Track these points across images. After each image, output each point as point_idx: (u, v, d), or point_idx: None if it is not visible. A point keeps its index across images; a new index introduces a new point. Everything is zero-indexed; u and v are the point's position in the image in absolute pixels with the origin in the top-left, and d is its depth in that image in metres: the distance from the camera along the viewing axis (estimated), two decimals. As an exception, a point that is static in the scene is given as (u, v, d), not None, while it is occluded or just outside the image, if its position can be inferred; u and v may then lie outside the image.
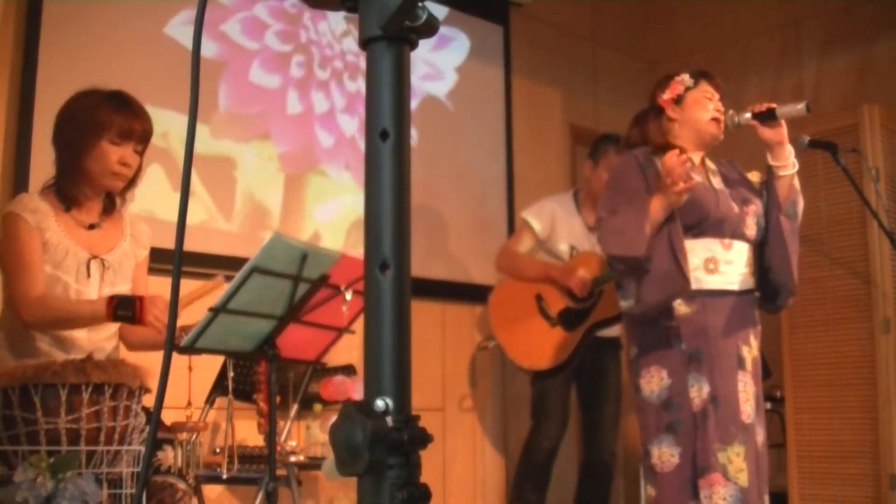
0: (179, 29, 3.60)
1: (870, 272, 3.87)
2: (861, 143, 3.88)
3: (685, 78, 2.80)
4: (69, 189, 2.29)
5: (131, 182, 2.38)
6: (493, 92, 4.81)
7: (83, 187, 2.31)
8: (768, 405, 4.33)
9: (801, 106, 2.61)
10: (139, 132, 2.30)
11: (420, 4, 0.80)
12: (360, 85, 4.19)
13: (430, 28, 0.82)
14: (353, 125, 4.17)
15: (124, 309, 2.10)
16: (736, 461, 2.56)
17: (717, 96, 2.79)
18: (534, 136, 4.98)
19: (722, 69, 2.82)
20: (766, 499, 2.67)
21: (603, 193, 2.86)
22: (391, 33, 0.81)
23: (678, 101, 2.79)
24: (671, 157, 2.53)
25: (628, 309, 2.74)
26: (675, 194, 2.54)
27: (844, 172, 3.16)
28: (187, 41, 3.57)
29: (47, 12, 3.24)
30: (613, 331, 3.86)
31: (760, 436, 2.69)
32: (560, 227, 3.86)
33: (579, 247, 3.83)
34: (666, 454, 2.63)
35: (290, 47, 3.99)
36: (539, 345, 3.75)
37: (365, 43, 0.82)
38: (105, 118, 2.25)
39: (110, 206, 2.41)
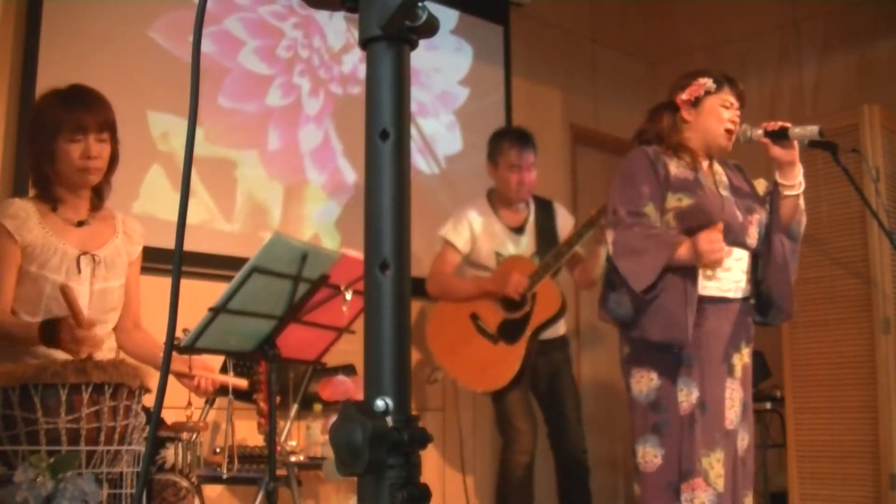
0: (158, 33, 3.59)
1: (870, 272, 3.87)
2: (861, 143, 3.88)
3: (707, 82, 2.73)
4: (48, 191, 2.30)
5: (110, 169, 2.36)
6: (492, 92, 4.81)
7: (58, 189, 2.31)
8: (768, 405, 4.34)
9: (814, 129, 2.60)
10: (95, 124, 2.25)
11: (420, 4, 0.80)
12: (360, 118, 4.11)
13: (430, 28, 0.82)
14: (352, 175, 4.12)
15: (47, 328, 2.05)
16: (716, 467, 2.60)
17: (735, 105, 2.74)
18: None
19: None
20: (749, 501, 2.69)
21: (614, 183, 2.79)
22: (391, 33, 0.81)
23: (695, 103, 2.74)
24: (706, 241, 2.55)
25: (617, 310, 2.73)
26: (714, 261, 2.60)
27: (844, 172, 3.15)
28: (169, 45, 3.56)
29: (47, 12, 3.24)
30: (558, 329, 3.79)
31: (745, 440, 2.71)
32: (481, 235, 3.76)
33: (504, 251, 3.74)
34: (650, 454, 2.66)
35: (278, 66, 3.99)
36: (487, 366, 3.66)
37: (365, 43, 0.82)
38: (56, 119, 2.23)
39: (98, 200, 2.39)
